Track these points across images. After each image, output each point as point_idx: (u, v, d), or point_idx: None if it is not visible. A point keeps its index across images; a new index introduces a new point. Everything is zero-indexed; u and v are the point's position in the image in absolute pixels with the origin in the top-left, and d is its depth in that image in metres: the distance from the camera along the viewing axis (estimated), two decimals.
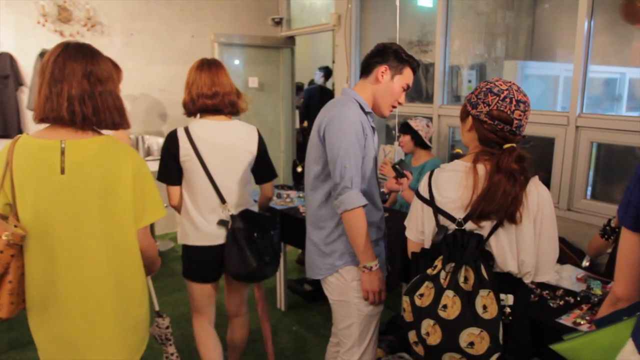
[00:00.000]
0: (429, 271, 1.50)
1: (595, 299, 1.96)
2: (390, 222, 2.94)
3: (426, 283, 1.50)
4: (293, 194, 3.54)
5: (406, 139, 3.13)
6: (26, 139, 1.43)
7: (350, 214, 1.77)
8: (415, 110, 3.94)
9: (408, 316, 1.56)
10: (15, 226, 1.36)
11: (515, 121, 1.48)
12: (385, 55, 1.89)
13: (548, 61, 4.61)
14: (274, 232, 2.27)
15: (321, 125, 1.84)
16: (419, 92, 4.49)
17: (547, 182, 3.09)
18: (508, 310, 1.48)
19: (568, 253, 2.89)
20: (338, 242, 1.89)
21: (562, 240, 2.95)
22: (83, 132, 1.44)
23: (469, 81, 4.35)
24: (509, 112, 1.47)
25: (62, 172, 1.40)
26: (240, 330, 2.48)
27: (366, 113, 1.91)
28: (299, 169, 3.68)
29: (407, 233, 1.72)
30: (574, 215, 2.97)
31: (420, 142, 3.15)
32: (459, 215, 1.50)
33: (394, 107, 1.98)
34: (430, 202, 1.58)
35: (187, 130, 2.11)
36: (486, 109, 1.48)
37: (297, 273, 4.20)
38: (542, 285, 2.15)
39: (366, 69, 1.94)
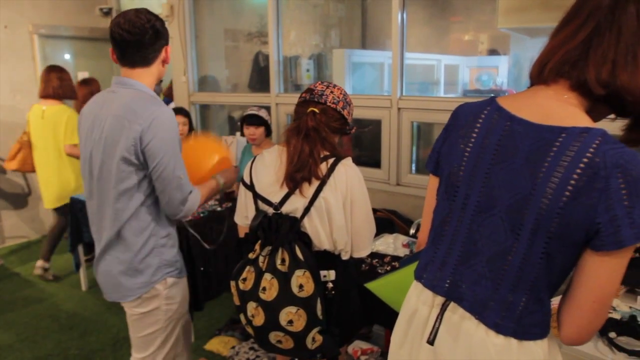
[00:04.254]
0: (250, 255, 1.55)
1: None
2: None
3: (248, 267, 1.54)
4: None
5: (260, 130, 3.13)
6: (33, 105, 3.72)
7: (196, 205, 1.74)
8: (253, 100, 3.99)
9: (236, 300, 1.60)
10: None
11: (317, 90, 1.62)
12: (165, 33, 1.71)
13: (378, 49, 4.95)
14: None
15: (141, 136, 1.57)
16: (261, 83, 4.54)
17: (379, 161, 3.34)
18: (330, 285, 1.57)
19: (399, 224, 3.16)
20: (151, 256, 1.70)
21: (393, 212, 3.22)
22: (54, 101, 3.67)
23: (307, 70, 4.50)
24: (312, 87, 1.64)
25: (43, 117, 3.63)
26: None
27: None
28: None
29: (235, 218, 1.75)
30: (403, 189, 3.25)
31: (269, 131, 3.21)
32: (276, 199, 1.57)
33: None
34: (250, 187, 1.63)
35: None
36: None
37: None
38: (372, 255, 2.33)
39: (144, 61, 1.67)
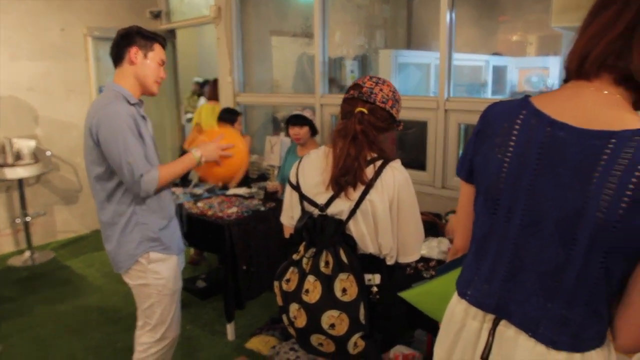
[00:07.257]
0: (294, 256, 1.53)
1: None
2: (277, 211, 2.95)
3: (292, 268, 1.53)
4: (179, 190, 3.44)
5: (304, 130, 3.17)
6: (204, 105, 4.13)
7: (159, 184, 1.90)
8: (297, 101, 3.99)
9: (279, 300, 1.59)
10: None
11: (365, 87, 1.55)
12: (131, 37, 1.92)
13: (424, 50, 4.87)
14: None
15: (92, 128, 1.84)
16: (306, 83, 4.56)
17: (423, 164, 3.28)
18: (375, 289, 1.53)
19: (443, 227, 3.10)
20: (134, 232, 1.95)
21: (438, 216, 3.15)
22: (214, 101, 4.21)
23: (352, 71, 4.49)
24: (360, 82, 1.57)
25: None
26: None
27: (132, 104, 1.92)
28: None
29: (281, 218, 1.74)
30: (448, 192, 3.18)
31: (314, 131, 3.22)
32: (322, 200, 1.54)
33: (158, 82, 2.02)
34: (296, 187, 1.61)
35: None
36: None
37: (189, 272, 4.10)
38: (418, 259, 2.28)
39: (117, 57, 1.95)
